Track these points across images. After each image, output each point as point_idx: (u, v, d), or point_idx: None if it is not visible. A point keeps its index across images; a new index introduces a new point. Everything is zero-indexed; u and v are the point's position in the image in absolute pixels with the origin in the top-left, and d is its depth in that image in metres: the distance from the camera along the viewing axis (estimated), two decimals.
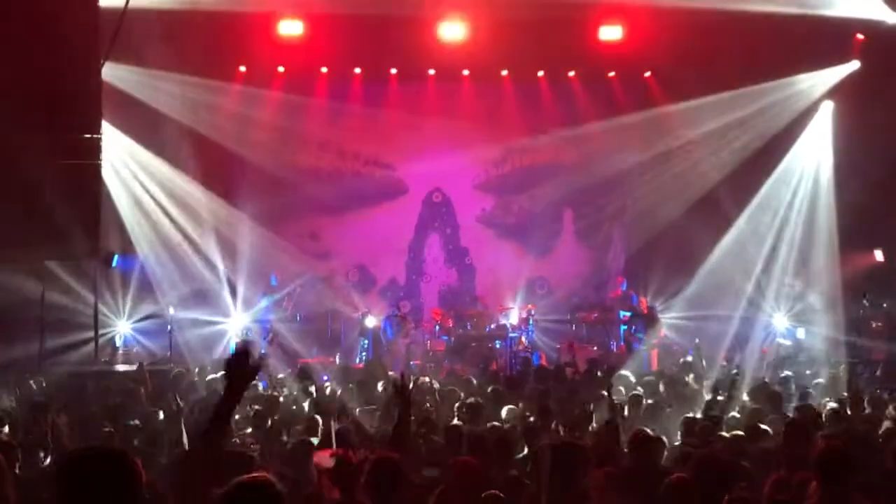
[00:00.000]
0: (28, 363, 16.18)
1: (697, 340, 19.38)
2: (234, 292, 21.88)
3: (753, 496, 7.41)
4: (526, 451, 9.81)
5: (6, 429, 10.45)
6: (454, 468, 6.72)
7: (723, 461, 6.63)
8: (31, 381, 14.15)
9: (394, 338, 21.04)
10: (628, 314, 22.01)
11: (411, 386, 13.11)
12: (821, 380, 15.80)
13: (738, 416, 12.31)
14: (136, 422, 10.97)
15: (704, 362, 17.65)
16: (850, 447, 7.55)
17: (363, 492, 6.22)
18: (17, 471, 8.19)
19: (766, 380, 15.34)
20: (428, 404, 12.74)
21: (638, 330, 21.43)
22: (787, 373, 16.95)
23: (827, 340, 19.95)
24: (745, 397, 13.98)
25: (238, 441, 10.38)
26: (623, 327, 22.00)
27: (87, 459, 3.81)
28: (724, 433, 10.61)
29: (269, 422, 11.47)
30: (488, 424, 10.78)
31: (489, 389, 13.88)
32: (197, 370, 16.27)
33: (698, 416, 11.98)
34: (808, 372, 17.26)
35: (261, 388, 14.46)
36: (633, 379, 15.53)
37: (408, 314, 22.16)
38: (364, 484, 6.21)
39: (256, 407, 11.96)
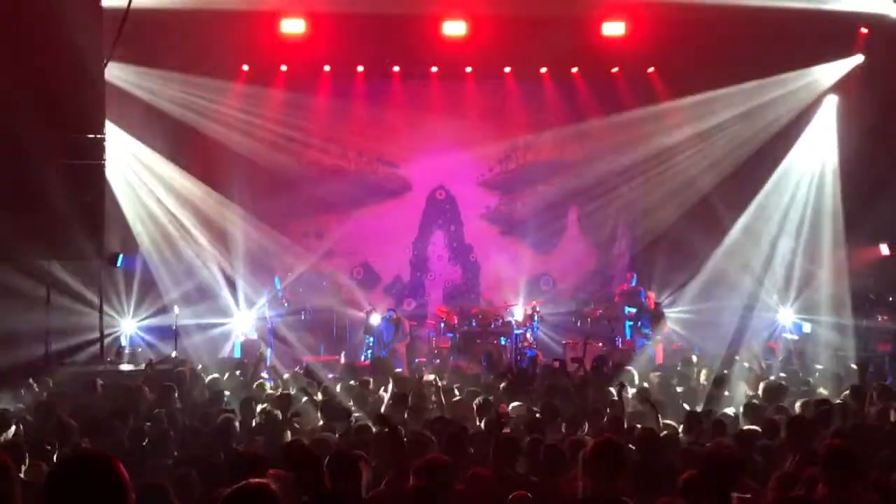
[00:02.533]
0: (34, 364, 16.15)
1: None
2: (236, 291, 21.92)
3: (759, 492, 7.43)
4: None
5: (13, 430, 10.43)
6: (471, 480, 6.71)
7: (729, 457, 6.60)
8: (37, 383, 14.10)
9: (391, 341, 20.97)
10: (633, 310, 22.02)
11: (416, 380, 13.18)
12: (826, 373, 15.80)
13: (732, 412, 12.34)
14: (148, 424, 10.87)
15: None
16: (858, 443, 7.54)
17: None
18: (22, 473, 8.19)
19: (773, 376, 15.30)
20: (433, 404, 12.73)
21: (644, 325, 21.42)
22: (793, 367, 16.98)
23: (833, 334, 19.95)
24: (749, 392, 14.00)
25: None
26: (628, 323, 22.02)
27: (73, 466, 3.82)
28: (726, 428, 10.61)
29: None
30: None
31: (494, 387, 13.89)
32: (200, 368, 16.30)
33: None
34: (817, 366, 17.23)
35: (268, 386, 14.48)
36: (637, 375, 15.56)
37: (401, 316, 22.02)
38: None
39: (266, 406, 12.00)
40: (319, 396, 13.14)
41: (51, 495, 3.77)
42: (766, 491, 7.45)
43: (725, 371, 15.13)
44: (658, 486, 7.26)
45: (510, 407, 11.88)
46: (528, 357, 19.68)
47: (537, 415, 11.33)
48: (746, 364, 16.06)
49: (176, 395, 13.04)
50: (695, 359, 17.98)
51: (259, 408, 12.11)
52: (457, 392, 13.76)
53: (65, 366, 16.22)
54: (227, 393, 13.55)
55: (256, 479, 4.04)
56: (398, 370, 16.03)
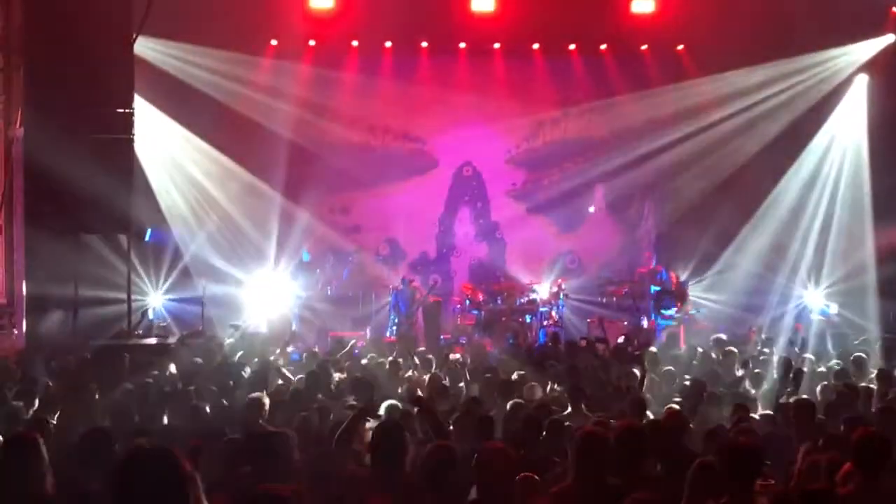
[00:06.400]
0: (62, 337, 16.29)
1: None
2: (262, 265, 22.00)
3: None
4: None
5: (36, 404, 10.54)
6: (484, 454, 6.61)
7: (752, 447, 6.55)
8: (61, 358, 14.20)
9: (408, 311, 21.02)
10: (658, 289, 21.91)
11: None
12: (854, 355, 15.70)
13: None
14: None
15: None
16: (886, 429, 7.48)
17: None
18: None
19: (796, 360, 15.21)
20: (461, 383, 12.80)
21: (667, 306, 21.34)
22: (819, 349, 16.89)
23: (858, 317, 19.88)
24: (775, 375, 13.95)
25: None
26: (653, 302, 21.91)
27: (137, 461, 3.88)
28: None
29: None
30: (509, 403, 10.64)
31: (519, 366, 13.92)
32: (228, 343, 16.39)
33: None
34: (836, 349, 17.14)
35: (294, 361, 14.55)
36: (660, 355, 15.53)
37: (417, 284, 22.11)
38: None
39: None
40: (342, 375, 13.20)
41: (117, 490, 3.85)
42: (789, 478, 7.42)
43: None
44: (684, 472, 7.23)
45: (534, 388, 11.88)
46: (550, 335, 19.61)
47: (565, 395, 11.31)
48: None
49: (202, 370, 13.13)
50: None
51: (283, 384, 12.22)
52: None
53: (93, 339, 16.27)
54: (253, 368, 13.61)
55: (279, 487, 4.04)
56: (420, 349, 16.04)
